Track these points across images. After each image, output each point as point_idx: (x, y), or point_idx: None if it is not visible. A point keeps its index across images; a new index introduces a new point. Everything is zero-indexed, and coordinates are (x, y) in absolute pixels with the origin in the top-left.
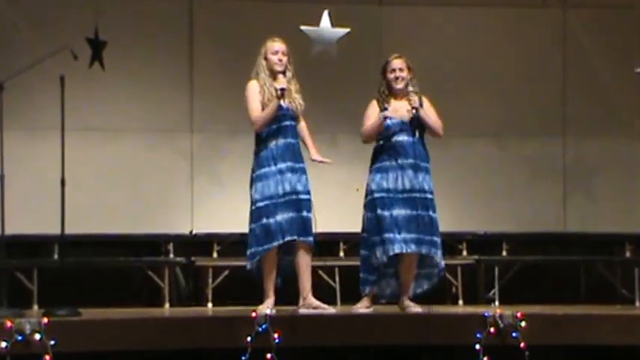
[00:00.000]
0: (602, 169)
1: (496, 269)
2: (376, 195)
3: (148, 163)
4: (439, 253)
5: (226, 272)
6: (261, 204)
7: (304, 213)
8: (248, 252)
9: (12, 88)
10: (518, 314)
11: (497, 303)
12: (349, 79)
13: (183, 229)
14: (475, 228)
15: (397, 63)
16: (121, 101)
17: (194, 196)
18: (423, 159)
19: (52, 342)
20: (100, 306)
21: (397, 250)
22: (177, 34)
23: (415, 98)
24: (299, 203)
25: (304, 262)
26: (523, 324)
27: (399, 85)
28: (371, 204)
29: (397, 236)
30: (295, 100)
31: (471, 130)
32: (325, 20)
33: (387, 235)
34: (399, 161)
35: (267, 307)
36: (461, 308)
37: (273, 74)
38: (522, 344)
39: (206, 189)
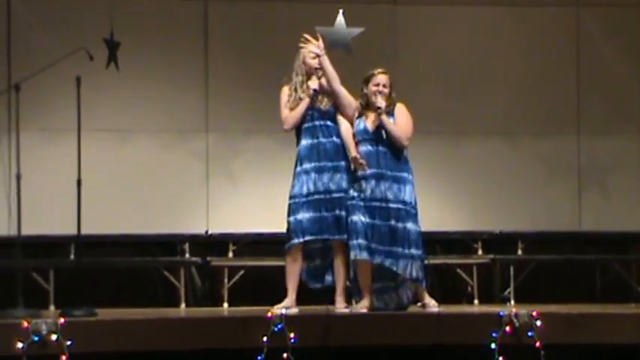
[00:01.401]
0: (617, 167)
1: (511, 268)
2: (347, 203)
3: (163, 163)
4: (400, 264)
5: (242, 272)
6: (289, 202)
7: (337, 211)
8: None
9: (28, 89)
10: (534, 313)
11: (512, 302)
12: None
13: (199, 229)
14: (490, 227)
15: (382, 78)
16: (137, 102)
17: (209, 196)
18: (391, 169)
19: (69, 342)
20: (116, 306)
21: (353, 256)
22: (192, 34)
23: (379, 99)
24: (330, 202)
25: (338, 261)
26: (539, 323)
27: (379, 102)
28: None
29: (354, 242)
30: (325, 97)
31: (485, 129)
32: (340, 20)
33: (350, 241)
34: (363, 170)
35: (283, 307)
36: (476, 307)
37: (311, 76)
38: (538, 343)
39: (221, 189)
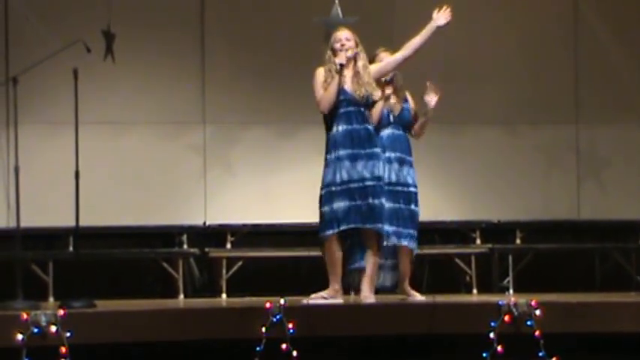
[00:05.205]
0: (616, 156)
1: (510, 258)
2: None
3: (161, 155)
4: (415, 245)
5: (240, 263)
6: (322, 191)
7: (370, 200)
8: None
9: (26, 82)
10: (533, 302)
11: (511, 291)
12: None
13: (197, 221)
14: (488, 216)
15: (384, 57)
16: (134, 94)
17: (207, 188)
18: (408, 153)
19: (68, 334)
20: (114, 297)
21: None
22: (188, 25)
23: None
24: (362, 190)
25: (368, 251)
26: (538, 312)
27: (385, 77)
28: None
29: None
30: (362, 88)
31: (483, 118)
32: (335, 11)
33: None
34: (387, 154)
35: (320, 296)
36: (475, 297)
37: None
38: (537, 332)
39: (219, 180)
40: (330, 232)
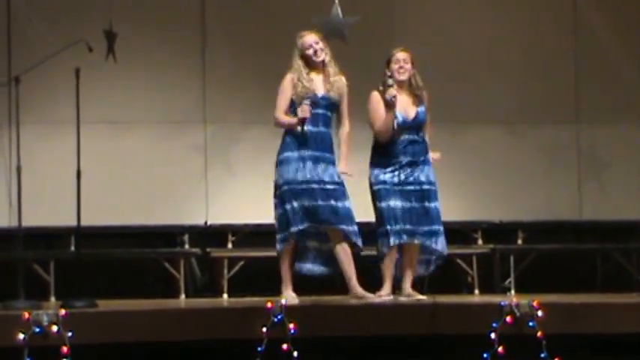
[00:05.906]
0: (617, 156)
1: (512, 258)
2: (374, 188)
3: (162, 154)
4: (439, 240)
5: (241, 263)
6: (283, 188)
7: (332, 202)
8: (277, 236)
9: (28, 81)
10: (535, 303)
11: (513, 292)
12: (362, 70)
13: (198, 220)
14: (490, 217)
15: (402, 55)
16: (135, 93)
17: (208, 187)
18: (421, 154)
19: (70, 334)
20: (116, 297)
21: (394, 242)
22: (189, 25)
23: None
24: (323, 192)
25: (340, 250)
26: (540, 313)
27: (402, 77)
28: (372, 197)
29: (394, 228)
30: (335, 84)
31: (485, 118)
32: (335, 10)
33: (386, 227)
34: (398, 158)
35: (286, 297)
36: (477, 297)
37: (315, 65)
38: (539, 333)
39: (220, 180)
40: (295, 229)
